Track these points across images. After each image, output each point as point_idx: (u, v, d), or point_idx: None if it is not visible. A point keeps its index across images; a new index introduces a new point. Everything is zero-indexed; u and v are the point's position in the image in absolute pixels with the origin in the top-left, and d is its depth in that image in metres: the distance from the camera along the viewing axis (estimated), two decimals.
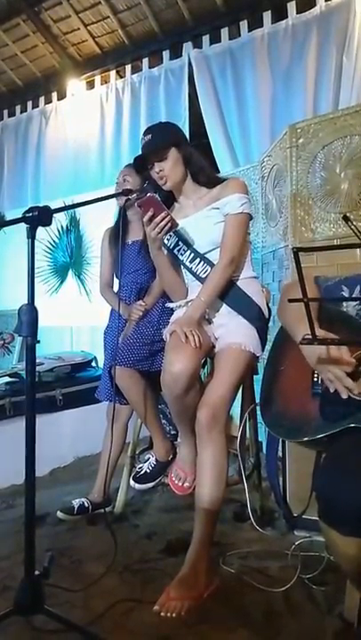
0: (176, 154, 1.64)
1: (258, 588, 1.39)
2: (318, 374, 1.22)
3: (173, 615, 1.26)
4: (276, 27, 3.23)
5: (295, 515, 1.70)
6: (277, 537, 1.71)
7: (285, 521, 1.75)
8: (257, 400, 1.47)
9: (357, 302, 1.29)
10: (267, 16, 3.27)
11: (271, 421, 1.29)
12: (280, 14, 3.23)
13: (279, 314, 1.41)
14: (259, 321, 1.65)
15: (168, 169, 1.64)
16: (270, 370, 1.40)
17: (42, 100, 4.52)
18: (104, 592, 1.40)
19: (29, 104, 4.62)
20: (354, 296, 1.33)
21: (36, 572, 1.20)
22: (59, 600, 1.34)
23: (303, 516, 1.64)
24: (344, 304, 1.32)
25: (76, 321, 4.09)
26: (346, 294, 1.35)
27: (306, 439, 1.18)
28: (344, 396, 1.12)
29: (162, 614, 1.27)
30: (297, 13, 3.16)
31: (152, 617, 1.27)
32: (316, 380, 1.23)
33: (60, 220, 4.11)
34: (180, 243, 1.69)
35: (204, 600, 1.33)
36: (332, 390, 1.15)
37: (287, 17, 3.19)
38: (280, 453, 1.78)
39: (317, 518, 1.00)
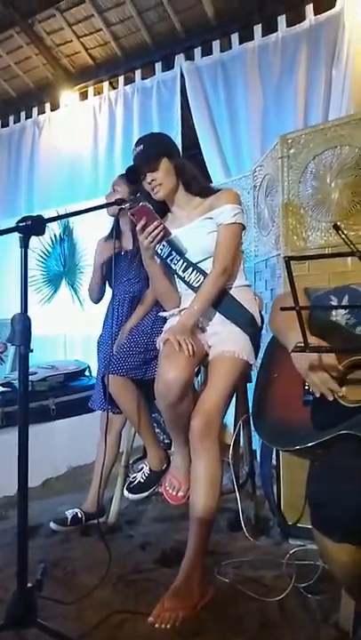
0: (167, 164, 1.66)
1: (253, 598, 1.38)
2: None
3: (168, 626, 1.25)
4: (266, 40, 3.29)
5: (290, 523, 1.69)
6: (272, 546, 1.70)
7: (280, 530, 1.74)
8: (250, 409, 1.47)
9: (346, 312, 1.30)
10: (257, 29, 3.32)
11: (264, 431, 1.29)
12: (270, 28, 3.29)
13: (271, 323, 1.41)
14: (252, 329, 1.66)
15: (160, 179, 1.65)
16: (262, 379, 1.40)
17: (35, 110, 4.55)
18: (98, 604, 1.39)
19: (23, 115, 4.65)
20: (343, 304, 1.34)
21: (29, 584, 1.19)
22: (52, 612, 1.33)
23: (298, 525, 1.63)
24: (333, 313, 1.33)
25: (70, 330, 4.09)
26: (334, 304, 1.36)
27: (298, 448, 1.18)
28: (330, 399, 1.14)
29: (156, 625, 1.25)
30: (287, 27, 3.21)
31: (146, 628, 1.25)
32: (307, 388, 1.23)
33: (54, 229, 4.12)
34: (172, 252, 1.69)
35: (199, 610, 1.32)
36: (318, 394, 1.16)
37: (277, 30, 3.24)
38: (274, 462, 1.78)
39: (311, 526, 1.00)
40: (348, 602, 1.21)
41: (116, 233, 2.06)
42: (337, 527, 0.94)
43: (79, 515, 1.95)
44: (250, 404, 1.69)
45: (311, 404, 1.21)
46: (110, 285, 2.18)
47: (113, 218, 2.14)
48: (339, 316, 1.30)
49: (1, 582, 1.50)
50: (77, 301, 4.04)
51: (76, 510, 1.96)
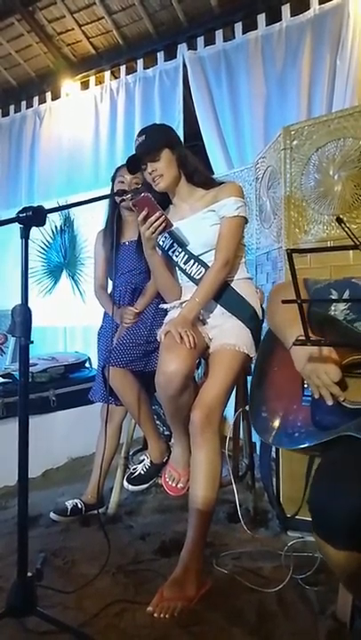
0: (169, 155, 1.65)
1: (251, 589, 1.39)
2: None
3: (167, 616, 1.26)
4: (270, 29, 3.24)
5: (288, 515, 1.70)
6: (271, 537, 1.71)
7: (279, 522, 1.75)
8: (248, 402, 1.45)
9: (346, 307, 1.28)
10: (261, 18, 3.28)
11: (261, 428, 1.27)
12: (274, 17, 3.25)
13: (269, 315, 1.39)
14: (253, 322, 1.65)
15: (161, 170, 1.64)
16: (259, 373, 1.38)
17: (36, 100, 4.51)
18: (97, 593, 1.40)
19: (23, 104, 4.61)
20: (345, 298, 1.31)
21: (29, 574, 1.20)
22: (52, 601, 1.34)
23: (296, 517, 1.64)
24: (332, 308, 1.30)
25: (70, 321, 4.08)
26: (334, 298, 1.33)
27: (296, 448, 1.17)
28: (329, 403, 1.13)
29: (155, 615, 1.27)
30: (291, 16, 3.17)
31: (145, 618, 1.27)
32: (306, 386, 1.22)
33: (54, 220, 4.10)
34: (174, 244, 1.69)
35: (198, 601, 1.33)
36: (317, 396, 1.15)
37: (281, 19, 3.20)
38: (273, 454, 1.78)
39: (310, 519, 0.99)
40: (346, 594, 1.22)
41: (117, 223, 2.05)
42: (338, 534, 0.92)
43: (79, 505, 1.96)
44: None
45: (310, 403, 1.20)
46: (111, 278, 2.18)
47: (111, 208, 2.11)
48: (338, 310, 1.27)
49: (1, 571, 1.51)
50: (78, 293, 4.03)
51: (75, 501, 1.97)
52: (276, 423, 1.24)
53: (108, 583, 1.45)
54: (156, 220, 1.55)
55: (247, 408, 1.81)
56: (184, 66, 3.58)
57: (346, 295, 1.30)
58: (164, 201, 1.73)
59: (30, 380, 2.64)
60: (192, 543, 1.42)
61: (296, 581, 1.41)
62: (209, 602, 1.34)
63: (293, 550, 1.56)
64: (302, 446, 1.16)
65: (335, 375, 1.11)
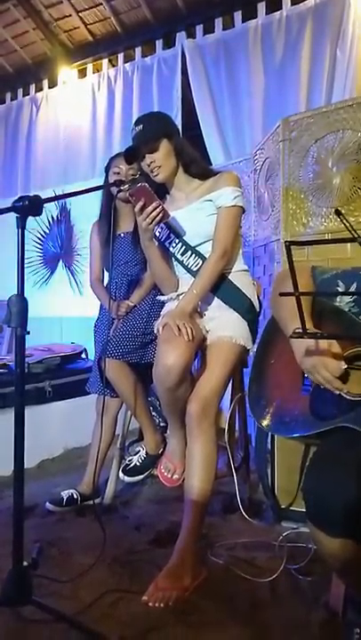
0: (168, 145, 1.63)
1: (245, 579, 1.40)
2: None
3: (161, 605, 1.27)
4: (270, 18, 3.21)
5: (283, 506, 1.72)
6: (265, 528, 1.72)
7: (273, 512, 1.76)
8: (247, 389, 1.45)
9: (351, 299, 1.27)
10: (261, 7, 3.25)
11: (260, 416, 1.28)
12: (274, 5, 3.21)
13: (272, 304, 1.38)
14: (250, 314, 1.65)
15: (159, 160, 1.62)
16: (259, 362, 1.38)
17: (32, 87, 4.46)
18: (92, 583, 1.40)
19: (20, 92, 4.56)
20: (349, 291, 1.30)
21: (25, 564, 1.21)
22: (47, 591, 1.35)
23: (291, 508, 1.65)
24: (338, 299, 1.29)
25: (66, 312, 4.08)
26: (341, 289, 1.32)
27: (295, 436, 1.18)
28: (335, 392, 1.13)
29: (150, 605, 1.27)
30: (291, 5, 3.14)
31: (140, 607, 1.27)
32: (306, 375, 1.22)
33: (51, 210, 4.08)
34: (171, 235, 1.68)
35: (192, 590, 1.34)
36: (321, 386, 1.15)
37: (281, 8, 3.17)
38: (269, 446, 1.79)
39: (304, 510, 1.00)
40: (339, 584, 1.23)
41: (113, 215, 2.03)
42: (332, 522, 0.92)
43: (75, 496, 1.96)
44: (246, 389, 1.70)
45: (310, 392, 1.20)
46: (107, 269, 2.16)
47: (106, 200, 2.08)
48: (343, 302, 1.26)
49: None
50: (74, 283, 4.02)
51: (71, 491, 1.98)
52: (275, 411, 1.25)
53: (103, 573, 1.46)
54: (153, 211, 1.53)
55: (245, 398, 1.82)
56: (183, 54, 3.54)
57: (353, 287, 1.30)
58: (161, 190, 1.72)
59: (26, 370, 2.63)
60: (187, 534, 1.42)
61: (290, 571, 1.42)
62: (203, 591, 1.35)
63: (287, 541, 1.57)
64: (299, 435, 1.17)
65: (335, 370, 1.10)
